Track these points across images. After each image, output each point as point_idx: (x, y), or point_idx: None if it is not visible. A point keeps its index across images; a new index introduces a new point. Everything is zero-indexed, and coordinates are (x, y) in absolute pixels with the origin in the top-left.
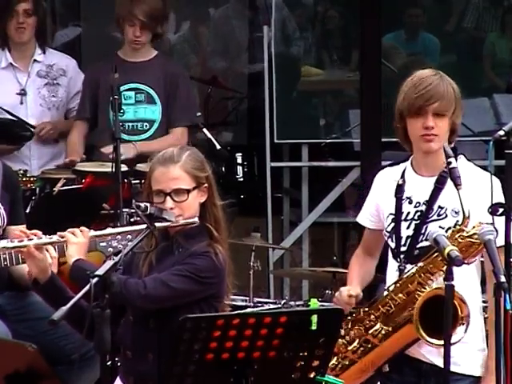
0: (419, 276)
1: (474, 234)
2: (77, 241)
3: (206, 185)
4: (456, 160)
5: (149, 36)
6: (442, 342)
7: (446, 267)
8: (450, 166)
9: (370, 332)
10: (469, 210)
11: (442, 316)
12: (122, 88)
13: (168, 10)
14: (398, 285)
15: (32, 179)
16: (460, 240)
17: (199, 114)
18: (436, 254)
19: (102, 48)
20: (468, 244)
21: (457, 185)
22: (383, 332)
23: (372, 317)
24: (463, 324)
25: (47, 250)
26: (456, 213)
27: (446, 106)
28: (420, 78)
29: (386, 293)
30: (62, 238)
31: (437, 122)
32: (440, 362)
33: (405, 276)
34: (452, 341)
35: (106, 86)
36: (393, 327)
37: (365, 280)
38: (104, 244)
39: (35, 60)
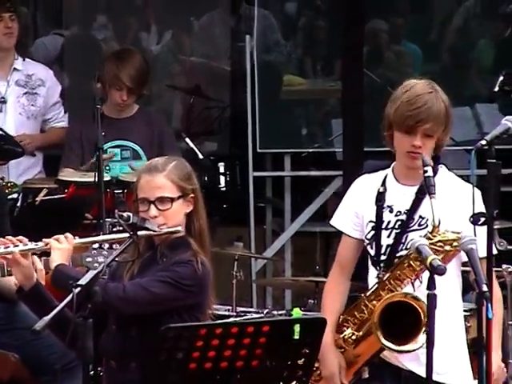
0: (389, 283)
1: (439, 241)
2: (61, 247)
3: (191, 195)
4: (437, 169)
5: (134, 98)
6: (399, 348)
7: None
8: (426, 175)
9: (342, 336)
10: (439, 219)
11: (404, 322)
12: (106, 145)
13: (150, 21)
14: (372, 291)
15: (10, 184)
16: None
17: None
18: (406, 262)
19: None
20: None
21: (430, 193)
22: (354, 337)
23: (348, 322)
24: (425, 332)
25: (33, 262)
26: None
27: (436, 127)
28: (415, 96)
29: (361, 299)
30: (47, 244)
31: (425, 142)
32: (418, 370)
33: (378, 284)
34: (412, 348)
35: (88, 140)
36: (363, 333)
37: (339, 313)
38: (90, 259)
39: (15, 68)
